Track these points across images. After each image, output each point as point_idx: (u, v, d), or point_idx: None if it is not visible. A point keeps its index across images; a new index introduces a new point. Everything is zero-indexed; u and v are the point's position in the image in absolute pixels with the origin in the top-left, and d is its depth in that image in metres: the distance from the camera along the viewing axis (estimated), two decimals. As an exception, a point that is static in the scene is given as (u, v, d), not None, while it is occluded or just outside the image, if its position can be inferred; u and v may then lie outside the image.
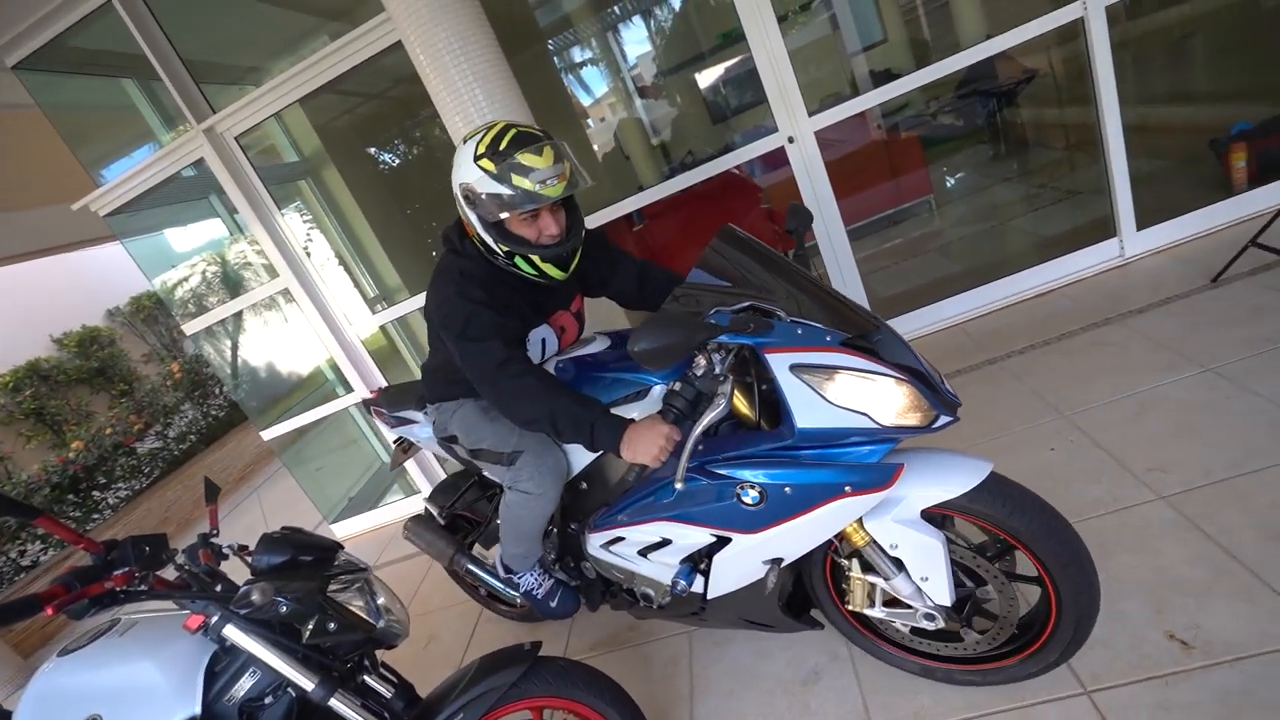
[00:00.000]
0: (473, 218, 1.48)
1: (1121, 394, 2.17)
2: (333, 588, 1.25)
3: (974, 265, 3.55)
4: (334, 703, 1.18)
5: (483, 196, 1.42)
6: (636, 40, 6.86)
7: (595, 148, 7.33)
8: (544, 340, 1.66)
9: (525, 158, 1.38)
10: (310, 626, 1.18)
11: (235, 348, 4.06)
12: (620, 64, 6.82)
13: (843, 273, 3.05)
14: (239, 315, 3.58)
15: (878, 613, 1.41)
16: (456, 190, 1.49)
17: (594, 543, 1.67)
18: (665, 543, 1.49)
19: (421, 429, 2.01)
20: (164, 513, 6.18)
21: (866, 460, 1.21)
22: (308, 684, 1.16)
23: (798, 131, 2.76)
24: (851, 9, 6.83)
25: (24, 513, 0.99)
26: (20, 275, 7.76)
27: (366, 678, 1.32)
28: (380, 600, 1.34)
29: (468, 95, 2.09)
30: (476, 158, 1.42)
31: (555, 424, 1.43)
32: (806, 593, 1.60)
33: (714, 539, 1.41)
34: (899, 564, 1.32)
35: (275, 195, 3.22)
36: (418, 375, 3.56)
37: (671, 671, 1.91)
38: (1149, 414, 2.04)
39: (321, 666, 1.20)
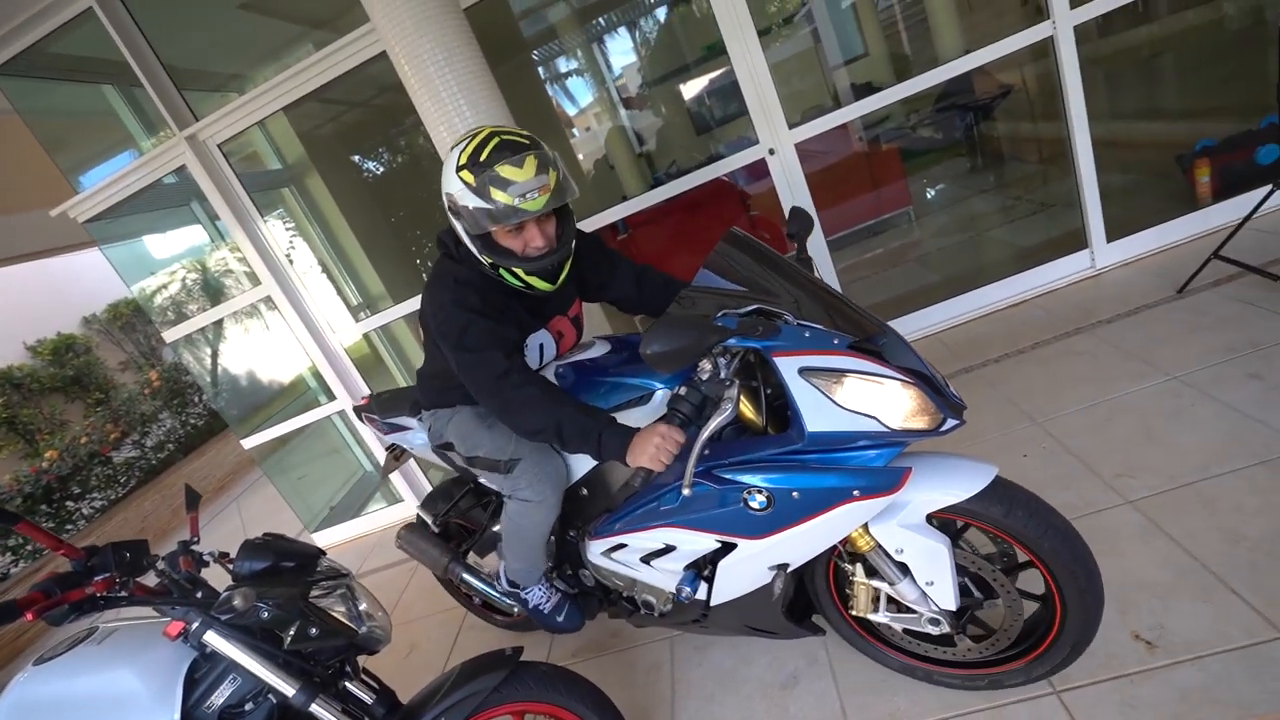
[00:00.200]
0: (459, 227, 1.46)
1: (1091, 401, 2.23)
2: (314, 594, 1.25)
3: (951, 275, 3.63)
4: (315, 708, 1.18)
5: (465, 209, 1.38)
6: (622, 51, 6.93)
7: (580, 157, 7.39)
8: (542, 345, 1.64)
9: (505, 170, 1.33)
10: (291, 632, 1.18)
11: (216, 355, 4.02)
12: (605, 75, 6.89)
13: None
14: (220, 323, 3.56)
15: (882, 617, 1.41)
16: (444, 198, 1.45)
17: (594, 550, 1.65)
18: (669, 549, 1.48)
19: (415, 435, 1.99)
20: (140, 523, 6.07)
21: (874, 464, 1.21)
22: (288, 690, 1.16)
23: (778, 143, 2.82)
24: (833, 23, 6.97)
25: (2, 518, 0.99)
26: (-7, 281, 7.63)
27: (348, 684, 1.31)
28: (362, 606, 1.34)
29: (452, 106, 2.11)
30: (458, 168, 1.38)
31: (561, 434, 1.40)
32: (808, 598, 1.60)
33: (719, 545, 1.39)
34: (904, 569, 1.33)
35: (258, 202, 3.21)
36: (401, 383, 3.56)
37: (654, 677, 1.93)
38: (1117, 421, 2.10)
39: (302, 672, 1.20)
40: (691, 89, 6.76)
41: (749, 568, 1.39)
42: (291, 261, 3.34)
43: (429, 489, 3.65)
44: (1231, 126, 3.16)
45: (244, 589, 1.12)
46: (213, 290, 3.78)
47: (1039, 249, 3.35)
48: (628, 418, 1.47)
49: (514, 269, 1.46)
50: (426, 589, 2.89)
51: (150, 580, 1.22)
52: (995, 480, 1.24)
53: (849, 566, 1.41)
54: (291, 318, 3.30)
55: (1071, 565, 1.24)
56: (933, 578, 1.29)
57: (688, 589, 1.45)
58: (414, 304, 3.26)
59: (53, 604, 0.98)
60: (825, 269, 3.09)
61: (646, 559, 1.53)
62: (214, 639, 1.14)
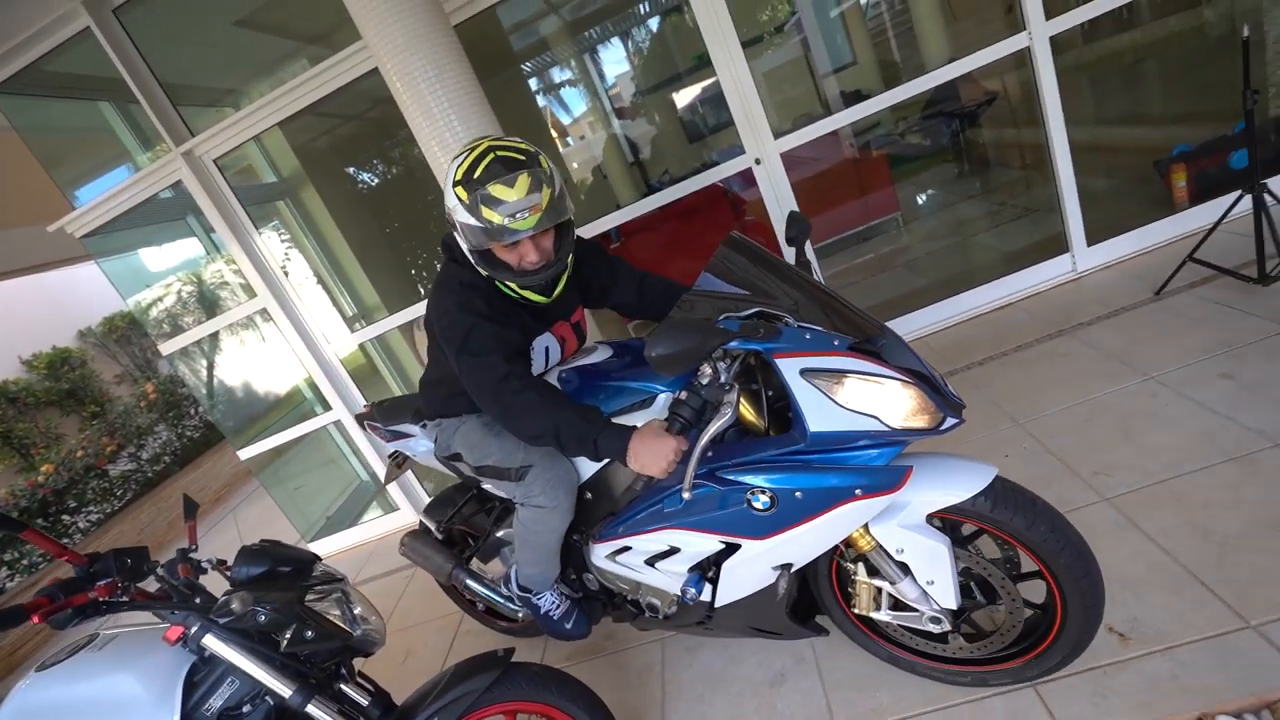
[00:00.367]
0: (459, 239, 1.47)
1: (1072, 402, 2.28)
2: (310, 598, 1.29)
3: (938, 280, 3.69)
4: (311, 709, 1.21)
5: (461, 224, 1.40)
6: (614, 61, 7.03)
7: (574, 165, 7.46)
8: (548, 349, 1.65)
9: (496, 189, 1.33)
10: (288, 635, 1.22)
11: (212, 368, 4.05)
12: (597, 85, 6.98)
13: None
14: (216, 335, 3.59)
15: (884, 616, 1.42)
16: (446, 208, 1.46)
17: (598, 553, 1.66)
18: (673, 551, 1.48)
19: (418, 443, 1.99)
20: (137, 535, 6.08)
21: (875, 463, 1.22)
22: (285, 691, 1.20)
23: (764, 153, 2.87)
24: (822, 33, 7.08)
25: (10, 525, 1.03)
26: (-11, 296, 7.65)
27: (343, 686, 1.35)
28: (357, 610, 1.38)
29: (443, 121, 2.16)
30: (454, 183, 1.39)
31: (559, 438, 1.41)
32: (812, 599, 1.61)
33: (723, 546, 1.40)
34: (905, 568, 1.34)
35: (253, 215, 3.26)
36: (397, 392, 3.59)
37: (645, 678, 1.96)
38: (1096, 420, 2.15)
39: (298, 674, 1.24)
40: (684, 98, 6.86)
41: (753, 568, 1.40)
42: (287, 274, 3.39)
43: (425, 498, 3.69)
44: (1208, 132, 3.23)
45: (241, 593, 1.16)
46: (208, 303, 3.82)
47: (1023, 253, 3.42)
48: (630, 421, 1.48)
49: (509, 282, 1.48)
50: (423, 596, 2.92)
51: (151, 586, 1.25)
52: (996, 481, 1.26)
53: (851, 566, 1.43)
54: (287, 329, 3.33)
55: (1073, 568, 1.24)
56: (933, 577, 1.31)
57: (692, 590, 1.46)
58: (409, 314, 3.30)
59: (57, 608, 1.02)
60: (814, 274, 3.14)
61: (651, 561, 1.54)
62: (212, 642, 1.18)
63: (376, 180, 4.85)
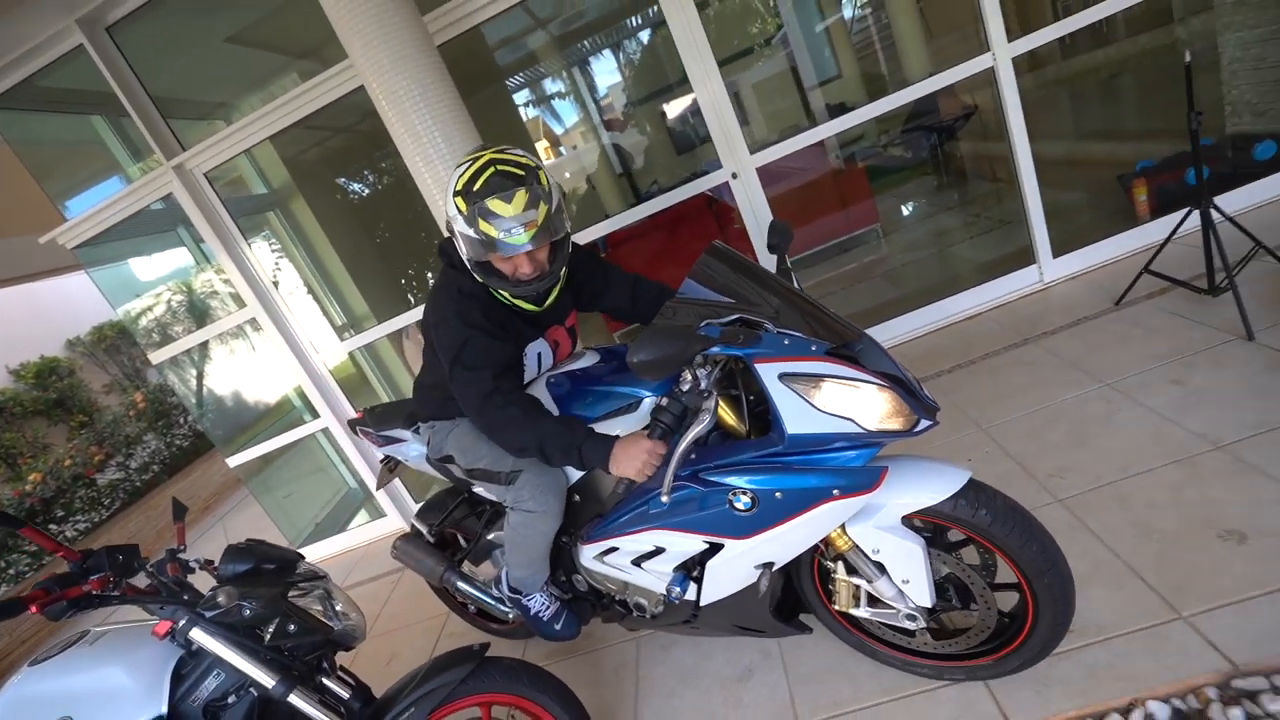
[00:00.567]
0: (458, 245, 1.50)
1: (1033, 408, 2.37)
2: (293, 594, 1.36)
3: (913, 290, 3.80)
4: (293, 698, 1.28)
5: (459, 233, 1.44)
6: (602, 74, 7.16)
7: (568, 175, 7.57)
8: (540, 355, 1.69)
9: (494, 204, 1.36)
10: (272, 629, 1.29)
11: (201, 377, 4.09)
12: (586, 98, 7.10)
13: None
14: (205, 344, 3.64)
15: (863, 612, 1.46)
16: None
17: (586, 554, 1.69)
18: (658, 551, 1.52)
19: (409, 447, 2.02)
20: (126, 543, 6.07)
21: (852, 464, 1.26)
22: (269, 681, 1.26)
23: (740, 167, 2.97)
24: (808, 47, 7.25)
25: (9, 522, 1.09)
26: (-23, 306, 7.65)
27: (325, 679, 1.41)
28: (338, 606, 1.45)
29: (428, 139, 2.25)
30: (455, 192, 1.42)
31: (544, 450, 1.45)
32: (795, 598, 1.66)
33: (707, 545, 1.44)
34: (881, 567, 1.38)
35: (243, 226, 3.33)
36: (385, 400, 3.65)
37: (620, 675, 2.03)
38: (1054, 426, 2.24)
39: (282, 667, 1.30)
40: (673, 109, 7.00)
41: (736, 567, 1.44)
42: (277, 284, 3.45)
43: (412, 504, 3.75)
44: (1170, 148, 3.36)
45: (228, 588, 1.23)
46: (198, 312, 3.87)
47: (994, 264, 3.52)
48: (617, 424, 1.53)
49: (502, 290, 1.52)
50: (408, 600, 2.98)
51: (141, 583, 1.31)
52: (970, 484, 1.30)
53: (831, 564, 1.47)
54: (276, 339, 3.39)
55: (1044, 569, 1.29)
56: (908, 576, 1.35)
57: (677, 589, 1.50)
58: (398, 322, 3.37)
59: (53, 599, 1.08)
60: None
61: (637, 561, 1.58)
62: (199, 635, 1.24)
63: (366, 191, 4.92)
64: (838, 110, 4.46)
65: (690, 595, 1.52)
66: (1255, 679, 1.30)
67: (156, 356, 3.56)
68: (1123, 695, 1.37)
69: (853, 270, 4.58)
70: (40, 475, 6.08)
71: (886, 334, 3.33)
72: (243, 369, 3.97)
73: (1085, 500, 1.89)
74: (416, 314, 3.32)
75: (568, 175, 7.66)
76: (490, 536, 2.04)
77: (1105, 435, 2.09)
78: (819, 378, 1.22)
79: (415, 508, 3.77)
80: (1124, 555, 1.66)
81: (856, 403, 1.21)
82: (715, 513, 1.37)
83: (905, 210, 5.51)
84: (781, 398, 1.24)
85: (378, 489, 2.50)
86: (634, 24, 6.18)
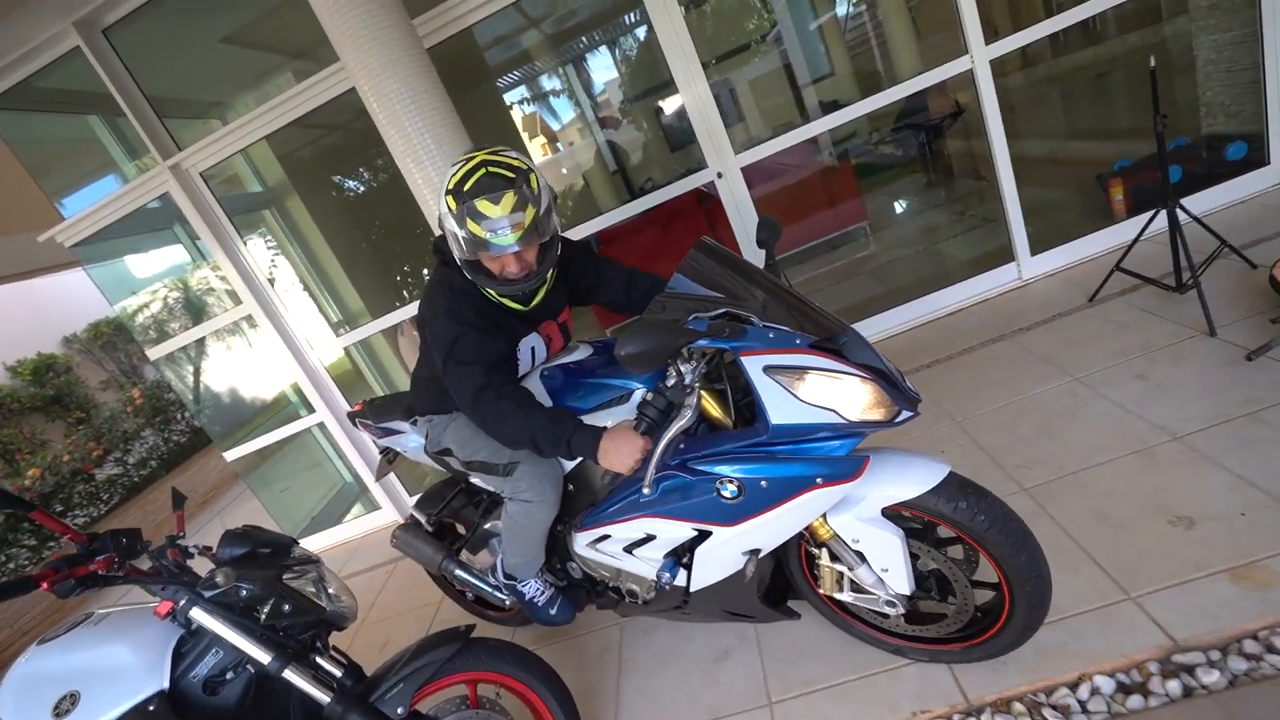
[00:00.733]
0: (449, 243, 1.54)
1: (1005, 402, 2.46)
2: (288, 576, 1.43)
3: (898, 287, 3.87)
4: (288, 674, 1.35)
5: (449, 231, 1.49)
6: (597, 71, 7.22)
7: (564, 171, 7.62)
8: (533, 348, 1.72)
9: (482, 204, 1.40)
10: (267, 608, 1.36)
11: (198, 373, 4.16)
12: (580, 96, 7.15)
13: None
14: (202, 341, 3.71)
15: (846, 596, 1.50)
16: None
17: (580, 542, 1.72)
18: (649, 538, 1.55)
19: (407, 439, 2.06)
20: (123, 538, 6.14)
21: (835, 454, 1.29)
22: (264, 658, 1.33)
23: (725, 168, 3.04)
24: (802, 45, 7.31)
25: (19, 505, 1.16)
26: (-26, 303, 7.69)
27: (319, 658, 1.49)
28: (330, 588, 1.52)
29: (418, 141, 2.31)
30: (447, 191, 1.46)
31: (535, 442, 1.50)
32: (783, 585, 1.71)
33: (695, 533, 1.47)
34: (862, 556, 1.42)
35: (239, 224, 3.39)
36: (379, 394, 3.72)
37: (604, 658, 2.11)
38: (1024, 418, 2.32)
39: (277, 644, 1.37)
40: (668, 106, 7.05)
41: (724, 554, 1.47)
42: (272, 281, 3.51)
43: (407, 496, 3.82)
44: (1148, 147, 3.42)
45: (226, 569, 1.30)
46: (195, 309, 3.93)
47: (976, 261, 3.60)
48: (609, 415, 1.57)
49: (489, 289, 1.55)
50: (402, 589, 3.05)
51: (143, 565, 1.39)
52: (950, 478, 1.34)
53: (816, 550, 1.51)
54: (272, 335, 3.46)
55: (1020, 561, 1.33)
56: (887, 565, 1.40)
57: (668, 575, 1.54)
58: (393, 318, 3.44)
59: (62, 577, 1.15)
60: (775, 283, 3.31)
61: (629, 548, 1.62)
62: (199, 615, 1.31)
63: (360, 188, 4.98)
64: (831, 107, 4.52)
65: (680, 581, 1.57)
66: (1193, 654, 1.39)
67: (154, 352, 3.62)
68: (1071, 670, 1.46)
69: (840, 267, 4.65)
70: (39, 471, 6.14)
71: (871, 329, 3.40)
72: (239, 365, 4.04)
73: (1048, 489, 1.97)
74: (410, 310, 3.39)
75: (564, 171, 7.72)
76: (487, 526, 2.08)
77: (1072, 427, 2.18)
78: (803, 370, 1.25)
79: (409, 500, 3.84)
80: (1081, 540, 1.74)
81: (839, 394, 1.25)
82: (703, 501, 1.41)
83: (893, 208, 5.59)
84: (766, 389, 1.27)
85: (376, 480, 2.56)
86: (627, 22, 6.23)
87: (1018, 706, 1.46)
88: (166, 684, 1.32)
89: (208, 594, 1.31)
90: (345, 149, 4.56)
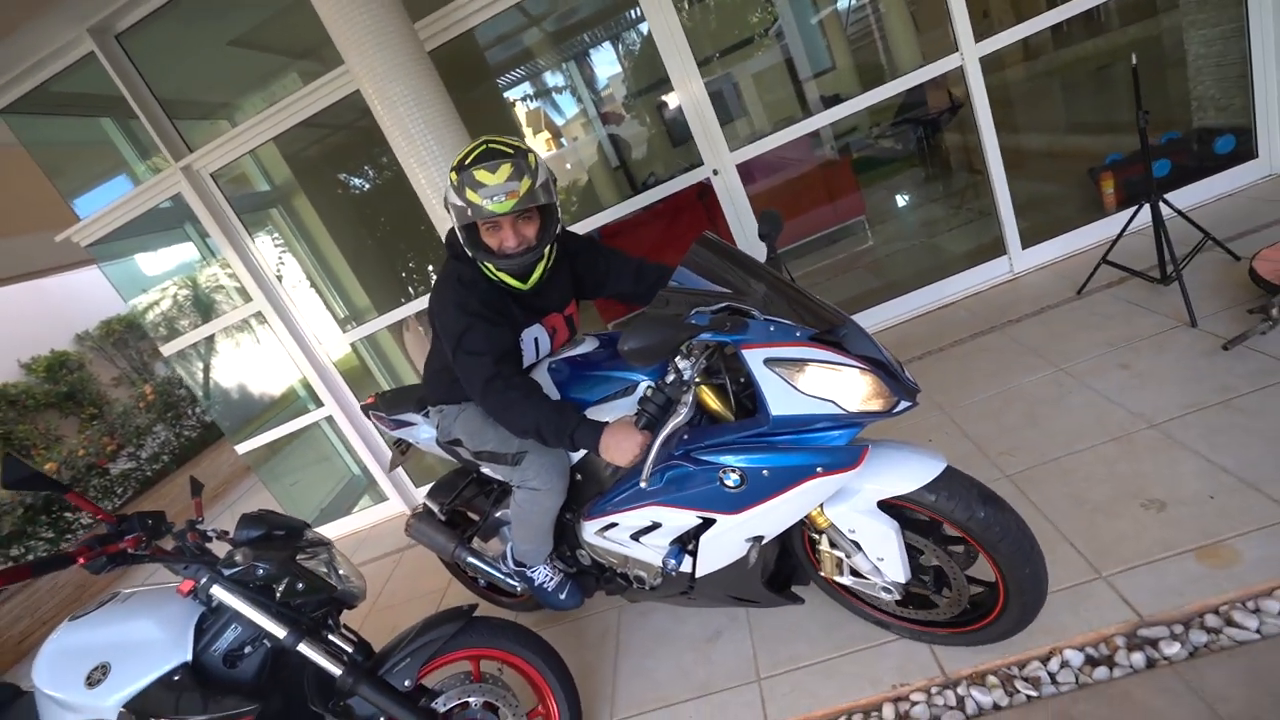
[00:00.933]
0: (451, 217, 1.58)
1: (991, 392, 2.52)
2: (301, 557, 1.52)
3: (893, 280, 3.93)
4: (302, 648, 1.44)
5: (451, 204, 1.55)
6: (599, 68, 7.26)
7: (568, 166, 7.68)
8: (536, 340, 1.75)
9: (480, 173, 1.47)
10: (282, 587, 1.45)
11: (209, 369, 4.26)
12: (582, 93, 7.21)
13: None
14: (214, 337, 3.81)
15: (846, 580, 1.56)
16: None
17: (588, 530, 1.76)
18: (655, 526, 1.59)
19: (420, 430, 2.10)
20: (137, 531, 6.28)
21: (835, 443, 1.32)
22: (280, 632, 1.42)
23: (721, 165, 3.11)
24: (803, 40, 7.34)
25: (54, 487, 1.25)
26: (-12, 301, 7.84)
27: (330, 635, 1.58)
28: (341, 569, 1.61)
29: (421, 142, 2.39)
30: (451, 169, 1.54)
31: (540, 432, 1.54)
32: (787, 571, 1.76)
33: (700, 521, 1.51)
34: (858, 545, 1.47)
35: (248, 222, 3.48)
36: (385, 389, 3.81)
37: (602, 639, 2.20)
38: (1009, 407, 2.39)
39: (292, 620, 1.47)
40: (671, 101, 7.08)
41: (728, 541, 1.51)
42: (280, 278, 3.61)
43: (413, 488, 3.92)
44: (1139, 141, 3.47)
45: (244, 549, 1.39)
46: (206, 306, 4.03)
47: (969, 255, 3.65)
48: (615, 407, 1.61)
49: (488, 264, 1.59)
50: (409, 577, 3.15)
51: (167, 546, 1.48)
52: (947, 471, 1.36)
53: (816, 536, 1.55)
54: (281, 331, 3.56)
55: (1016, 558, 1.36)
56: (883, 554, 1.44)
57: (673, 562, 1.57)
58: (398, 314, 3.53)
59: (95, 554, 1.24)
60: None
61: (636, 536, 1.65)
62: (219, 592, 1.40)
63: (365, 186, 5.07)
64: (832, 101, 4.57)
65: (686, 567, 1.61)
66: (1158, 628, 1.46)
67: (167, 349, 3.73)
68: (1043, 645, 1.53)
69: (838, 261, 4.71)
70: (55, 465, 6.28)
71: (867, 321, 3.47)
72: (249, 360, 4.14)
73: (1030, 475, 2.04)
74: (415, 306, 3.48)
75: (567, 167, 7.78)
76: (498, 514, 2.13)
77: (1055, 416, 2.24)
78: (802, 362, 1.28)
79: (416, 492, 3.94)
80: (1058, 524, 1.82)
81: (838, 385, 1.28)
82: (707, 489, 1.45)
83: (892, 201, 5.63)
84: (766, 381, 1.31)
85: (390, 470, 2.63)
86: (627, 19, 6.27)
87: (991, 679, 1.54)
88: (190, 656, 1.42)
89: (227, 572, 1.40)
90: (350, 147, 4.64)
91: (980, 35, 2.91)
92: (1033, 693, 1.47)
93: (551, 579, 1.96)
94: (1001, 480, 2.07)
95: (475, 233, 1.57)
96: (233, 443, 4.01)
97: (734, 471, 1.39)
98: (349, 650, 1.58)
